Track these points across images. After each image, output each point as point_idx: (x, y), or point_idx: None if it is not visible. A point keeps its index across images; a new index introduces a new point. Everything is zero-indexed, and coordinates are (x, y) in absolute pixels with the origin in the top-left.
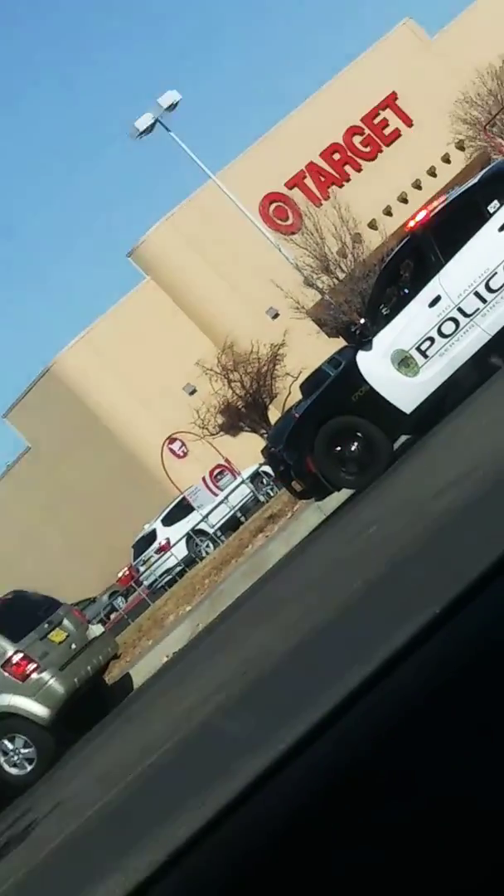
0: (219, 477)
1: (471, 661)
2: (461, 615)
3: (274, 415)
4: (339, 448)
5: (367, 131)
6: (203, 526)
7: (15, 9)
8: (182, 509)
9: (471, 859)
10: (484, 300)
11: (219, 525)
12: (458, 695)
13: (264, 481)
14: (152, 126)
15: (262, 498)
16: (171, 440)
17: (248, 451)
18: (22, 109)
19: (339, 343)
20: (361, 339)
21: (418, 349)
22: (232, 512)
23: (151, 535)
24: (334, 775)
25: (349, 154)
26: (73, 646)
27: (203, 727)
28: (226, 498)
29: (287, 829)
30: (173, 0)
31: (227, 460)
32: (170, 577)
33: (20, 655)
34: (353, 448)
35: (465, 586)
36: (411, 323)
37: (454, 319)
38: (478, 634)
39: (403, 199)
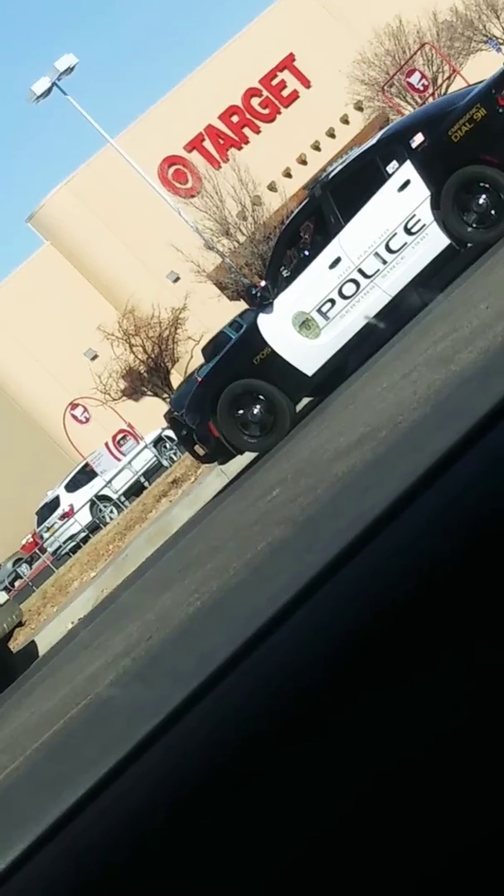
0: (122, 442)
1: (365, 610)
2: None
3: (176, 379)
4: (241, 411)
5: (265, 93)
6: (106, 491)
7: None
8: (85, 475)
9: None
10: (384, 261)
11: (122, 490)
12: (348, 650)
13: (167, 446)
14: (49, 90)
15: (165, 463)
16: (73, 406)
17: (150, 415)
18: None
19: (241, 306)
20: (262, 302)
21: (319, 311)
22: (135, 477)
23: (55, 502)
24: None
25: (248, 116)
26: None
27: (106, 694)
28: (129, 463)
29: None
30: None
31: (129, 425)
32: (74, 543)
33: None
34: (255, 411)
35: (359, 538)
36: (312, 285)
37: (354, 281)
38: (375, 584)
39: (303, 161)
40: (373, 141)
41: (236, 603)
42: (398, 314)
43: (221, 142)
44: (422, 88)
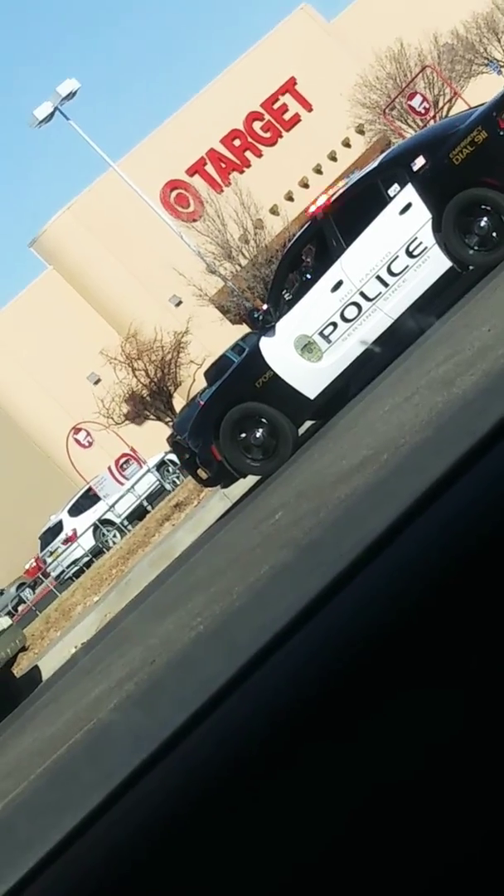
0: (125, 466)
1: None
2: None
3: (179, 403)
4: (244, 435)
5: (267, 117)
6: (109, 515)
7: None
8: (88, 499)
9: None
10: (386, 284)
11: (125, 514)
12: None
13: (170, 470)
14: (51, 115)
15: (168, 486)
16: (77, 430)
17: (153, 439)
18: None
19: (243, 330)
20: (264, 325)
21: (321, 334)
22: (138, 501)
23: (58, 526)
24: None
25: (249, 140)
26: None
27: (109, 718)
28: (132, 487)
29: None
30: None
31: (132, 449)
32: (77, 567)
33: None
34: (258, 434)
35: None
36: (314, 308)
37: (356, 304)
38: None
39: (304, 185)
40: (374, 164)
41: (239, 627)
42: (400, 337)
43: (223, 165)
44: (423, 111)
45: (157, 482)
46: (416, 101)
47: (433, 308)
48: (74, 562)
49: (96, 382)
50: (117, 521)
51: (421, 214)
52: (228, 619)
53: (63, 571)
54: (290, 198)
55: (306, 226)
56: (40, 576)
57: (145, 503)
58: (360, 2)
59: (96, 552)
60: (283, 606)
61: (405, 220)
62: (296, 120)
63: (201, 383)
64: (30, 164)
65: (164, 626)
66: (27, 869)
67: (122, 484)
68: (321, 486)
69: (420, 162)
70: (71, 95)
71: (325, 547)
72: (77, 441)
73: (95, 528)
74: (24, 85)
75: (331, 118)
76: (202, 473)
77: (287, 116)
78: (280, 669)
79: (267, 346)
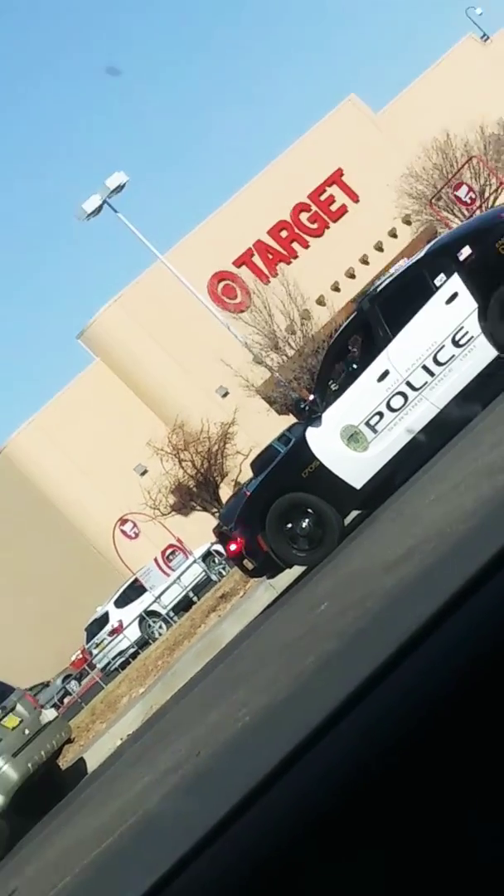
0: (171, 557)
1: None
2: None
3: (225, 493)
4: (290, 525)
5: (313, 208)
6: (155, 607)
7: None
8: (135, 590)
9: None
10: (432, 373)
11: (171, 605)
12: (405, 763)
13: (216, 560)
14: (100, 208)
15: (214, 577)
16: (123, 521)
17: (200, 530)
18: None
19: (290, 420)
20: (311, 416)
21: (367, 424)
22: (184, 592)
23: (104, 618)
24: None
25: (296, 231)
26: (27, 731)
27: (156, 810)
28: (178, 578)
29: None
30: (121, 82)
31: (178, 540)
32: (123, 659)
33: None
34: (304, 525)
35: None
36: (360, 398)
37: (403, 394)
38: (424, 704)
39: (351, 275)
40: (420, 254)
41: (284, 718)
42: (446, 426)
43: (270, 257)
44: (469, 201)
45: (203, 573)
46: (462, 192)
47: (479, 397)
48: (120, 653)
49: (143, 473)
50: (163, 612)
51: (467, 304)
52: (273, 711)
53: (109, 663)
54: (336, 288)
55: (352, 316)
56: (86, 667)
57: (191, 594)
58: (407, 93)
59: (142, 643)
60: (328, 697)
61: (451, 309)
62: (343, 211)
63: (247, 474)
64: (78, 257)
65: (209, 717)
66: None
67: (168, 575)
68: (367, 576)
69: (466, 252)
70: (119, 188)
71: (371, 637)
72: (124, 532)
73: (141, 619)
74: (72, 178)
75: (377, 209)
76: (248, 564)
77: (334, 207)
78: (323, 760)
79: (313, 436)
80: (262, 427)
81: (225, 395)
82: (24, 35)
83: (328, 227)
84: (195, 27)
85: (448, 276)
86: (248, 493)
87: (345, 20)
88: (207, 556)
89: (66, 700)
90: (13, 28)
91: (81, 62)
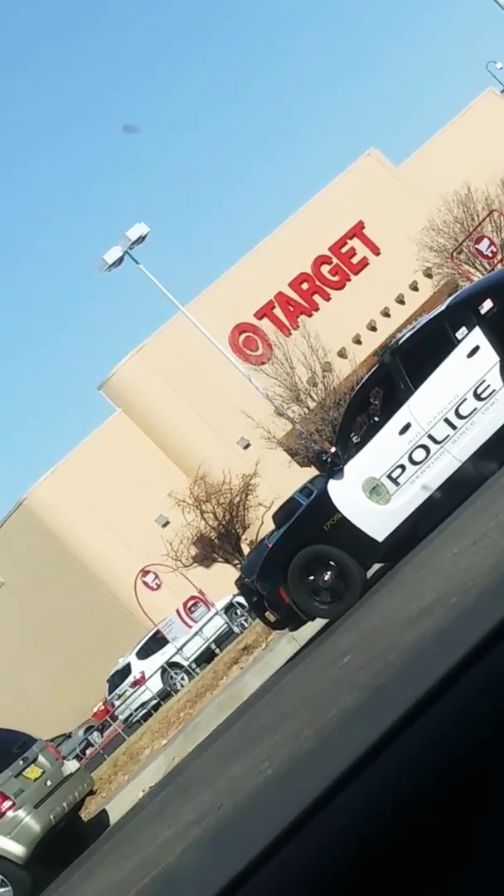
0: (193, 608)
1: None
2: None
3: (247, 545)
4: (312, 577)
5: (335, 260)
6: (177, 658)
7: None
8: (156, 642)
9: None
10: (454, 426)
11: (193, 657)
12: (425, 817)
13: (238, 612)
14: (121, 259)
15: (236, 629)
16: (145, 572)
17: (221, 581)
18: None
19: (312, 472)
20: (332, 468)
21: (389, 477)
22: (206, 644)
23: (126, 669)
24: None
25: (318, 283)
26: (49, 782)
27: (176, 863)
28: (200, 630)
29: None
30: (143, 134)
31: (200, 591)
32: (145, 710)
33: None
34: (326, 577)
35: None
36: (382, 450)
37: (425, 447)
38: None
39: (372, 328)
40: (442, 307)
41: (307, 772)
42: (468, 479)
43: (292, 309)
44: (490, 255)
45: (226, 625)
46: (483, 245)
47: (502, 451)
48: (142, 705)
49: (165, 525)
50: (185, 664)
51: (489, 357)
52: (296, 764)
53: (131, 714)
54: (357, 341)
55: (374, 368)
56: (108, 719)
57: (213, 646)
58: (428, 147)
59: (164, 695)
60: (350, 751)
61: (473, 362)
62: (364, 263)
63: (269, 526)
64: (99, 308)
65: (231, 770)
66: None
67: (190, 626)
68: (389, 630)
69: (488, 305)
70: (141, 240)
71: (393, 691)
72: (145, 583)
73: (163, 670)
74: (94, 229)
75: (398, 262)
76: (270, 616)
77: (355, 260)
78: (342, 814)
79: (335, 488)
80: (283, 479)
81: (246, 446)
82: (46, 88)
83: (349, 280)
84: (218, 81)
85: (469, 329)
86: (270, 545)
87: (365, 74)
88: (229, 608)
89: (88, 751)
90: (35, 81)
91: (105, 114)
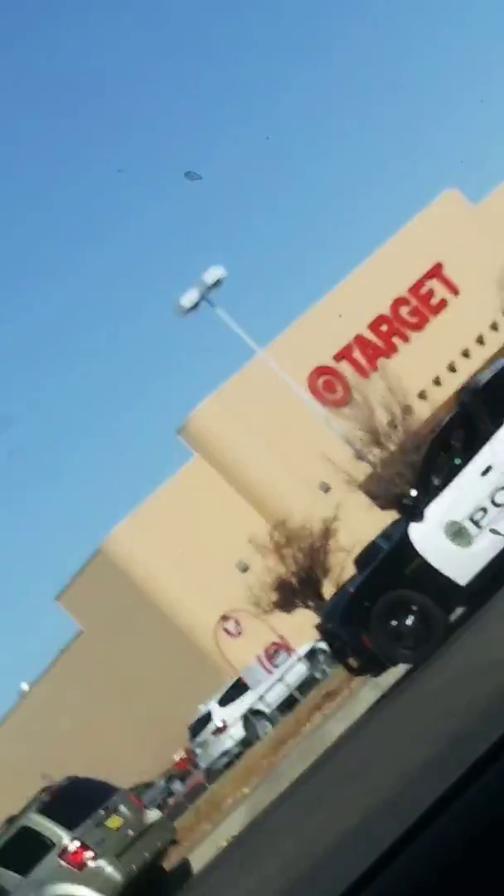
0: (274, 655)
1: None
2: None
3: (328, 590)
4: (394, 622)
5: (413, 302)
6: (259, 705)
7: (53, 199)
8: (238, 689)
9: None
10: None
11: (275, 704)
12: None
13: (320, 658)
14: (198, 303)
15: (318, 675)
16: (225, 619)
17: (303, 627)
18: (62, 295)
19: (393, 516)
20: (413, 511)
21: (471, 519)
22: (289, 691)
23: (207, 717)
24: None
25: (396, 325)
26: (130, 832)
27: None
28: (282, 676)
29: None
30: (218, 177)
31: (281, 637)
32: (227, 758)
33: (77, 843)
34: (408, 622)
35: None
36: (463, 493)
37: None
38: None
39: (452, 369)
40: None
41: (388, 820)
42: None
43: (371, 351)
44: None
45: (308, 671)
46: None
47: None
48: (224, 753)
49: (245, 570)
50: (267, 711)
51: None
52: (379, 813)
53: (213, 763)
54: (437, 382)
55: (454, 410)
56: (190, 767)
57: (295, 693)
58: None
59: (246, 743)
60: (432, 799)
61: None
62: (443, 304)
63: (351, 570)
64: (176, 352)
65: (314, 819)
66: None
67: (271, 673)
68: (474, 675)
69: None
70: (217, 283)
71: (479, 738)
72: (226, 630)
73: (245, 718)
74: (170, 273)
75: (478, 302)
76: (353, 662)
77: (434, 301)
78: (426, 860)
79: (416, 532)
80: (364, 523)
81: (327, 490)
82: (120, 138)
83: (428, 321)
84: (294, 121)
85: None
86: (352, 590)
87: (443, 111)
88: (311, 654)
89: (170, 800)
90: (102, 128)
91: (177, 156)
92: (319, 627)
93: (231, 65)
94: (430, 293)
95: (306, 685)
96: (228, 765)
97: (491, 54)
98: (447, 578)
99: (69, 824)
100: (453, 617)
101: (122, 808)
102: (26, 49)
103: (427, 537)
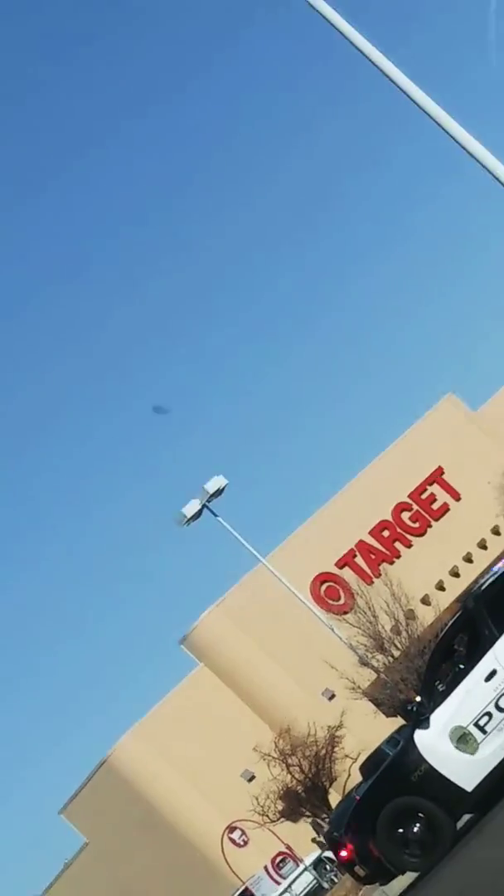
0: (281, 864)
1: None
2: None
3: (335, 798)
4: (401, 830)
5: (415, 507)
6: None
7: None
8: None
9: None
10: None
11: None
12: None
13: (328, 867)
14: (200, 512)
15: (325, 885)
16: (231, 829)
17: (310, 836)
18: (66, 512)
19: (398, 722)
20: (418, 717)
21: (476, 725)
22: None
23: None
24: None
25: (398, 530)
26: None
27: None
28: (289, 886)
29: None
30: (220, 385)
31: (288, 847)
32: None
33: None
34: (415, 829)
35: None
36: (468, 698)
37: None
38: None
39: (455, 574)
40: None
41: None
42: None
43: (373, 557)
44: None
45: (315, 880)
46: None
47: None
48: None
49: (250, 779)
50: None
51: None
52: None
53: None
54: (441, 587)
55: (458, 615)
56: None
57: None
58: None
59: None
60: None
61: None
62: (444, 509)
63: (357, 778)
64: (178, 561)
65: None
66: None
67: (278, 883)
68: (483, 885)
69: None
70: (218, 492)
71: None
72: (232, 840)
73: None
74: (172, 482)
75: (479, 506)
76: (360, 870)
77: (435, 506)
78: None
79: (421, 738)
80: (370, 730)
81: (331, 697)
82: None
83: (430, 526)
84: (292, 327)
85: None
86: (358, 798)
87: (442, 317)
88: (318, 863)
89: None
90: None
91: (176, 372)
92: (326, 835)
93: (229, 262)
94: (432, 498)
95: (314, 895)
96: None
97: (487, 254)
98: (454, 784)
99: None
100: (460, 824)
101: None
102: None
103: (432, 743)
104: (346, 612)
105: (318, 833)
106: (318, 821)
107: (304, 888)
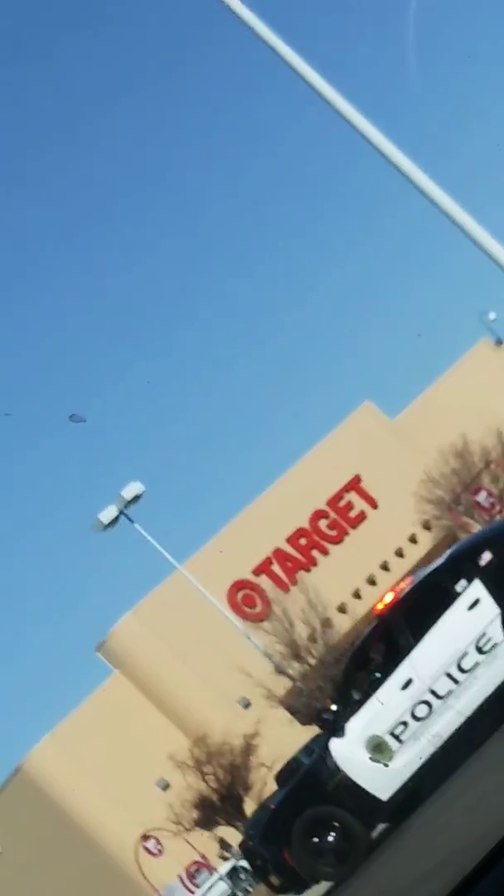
0: (196, 874)
1: None
2: None
3: (250, 807)
4: (316, 839)
5: (332, 515)
6: None
7: None
8: None
9: None
10: (456, 681)
11: None
12: None
13: (242, 876)
14: (116, 518)
15: (239, 894)
16: (146, 837)
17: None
18: None
19: (314, 731)
20: (334, 726)
21: (392, 734)
22: None
23: None
24: None
25: (315, 538)
26: None
27: None
28: (204, 895)
29: None
30: (139, 392)
31: (203, 856)
32: None
33: None
34: (330, 838)
35: None
36: (384, 707)
37: (427, 702)
38: None
39: (372, 582)
40: (441, 560)
41: None
42: (473, 734)
43: (290, 565)
44: (489, 506)
45: (230, 889)
46: (481, 497)
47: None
48: None
49: (165, 788)
50: None
51: (489, 610)
52: None
53: None
54: (357, 595)
55: (374, 623)
56: None
57: None
58: (423, 399)
59: None
60: None
61: (474, 615)
62: (361, 517)
63: (272, 787)
64: (94, 568)
65: None
66: None
67: (193, 892)
68: (396, 891)
69: (487, 557)
70: (136, 499)
71: None
72: (146, 849)
73: None
74: (88, 489)
75: (397, 514)
76: (274, 880)
77: (353, 514)
78: None
79: (337, 747)
80: (285, 738)
81: (247, 705)
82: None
83: (347, 534)
84: (213, 335)
85: (469, 581)
86: (273, 807)
87: (359, 326)
88: (233, 872)
89: None
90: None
91: (101, 373)
92: (242, 844)
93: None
94: (349, 506)
95: None
96: None
97: (407, 266)
98: (369, 793)
99: None
100: (375, 833)
101: None
102: None
103: (348, 752)
104: (262, 620)
105: (225, 850)
106: (225, 839)
107: None
